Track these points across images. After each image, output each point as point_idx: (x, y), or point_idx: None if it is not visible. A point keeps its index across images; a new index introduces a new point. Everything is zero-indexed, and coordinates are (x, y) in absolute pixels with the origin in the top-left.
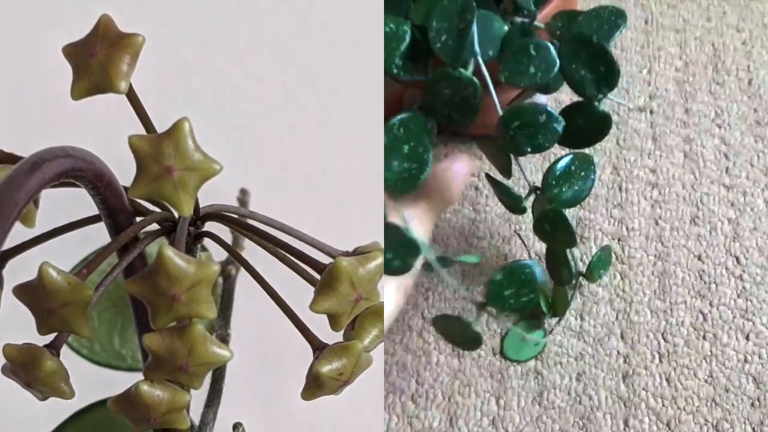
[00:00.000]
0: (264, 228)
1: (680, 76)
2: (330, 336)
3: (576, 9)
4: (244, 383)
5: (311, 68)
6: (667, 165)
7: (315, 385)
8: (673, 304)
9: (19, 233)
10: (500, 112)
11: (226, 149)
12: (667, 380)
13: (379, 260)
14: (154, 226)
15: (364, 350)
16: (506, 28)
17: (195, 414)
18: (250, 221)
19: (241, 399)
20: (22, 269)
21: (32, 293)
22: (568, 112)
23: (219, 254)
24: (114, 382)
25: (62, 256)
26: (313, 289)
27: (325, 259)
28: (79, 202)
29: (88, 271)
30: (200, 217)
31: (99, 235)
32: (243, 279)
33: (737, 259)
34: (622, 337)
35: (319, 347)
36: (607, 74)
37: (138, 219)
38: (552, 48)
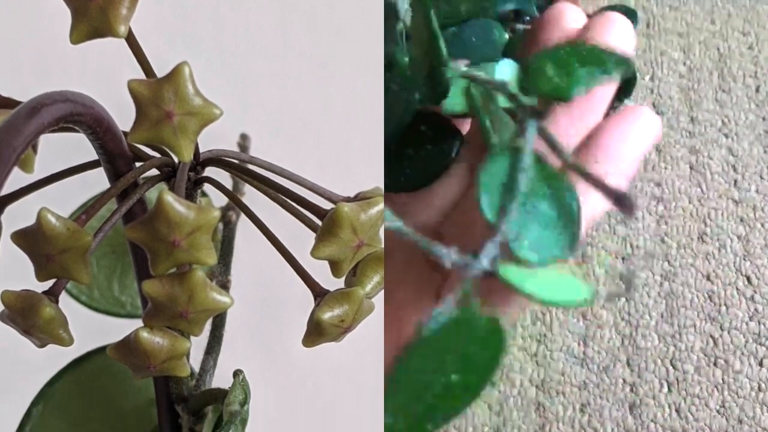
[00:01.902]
0: (265, 173)
1: (685, 83)
2: (331, 283)
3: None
4: (244, 330)
5: (311, 12)
6: (672, 177)
7: (316, 332)
8: (682, 327)
9: (17, 179)
10: None
11: (227, 94)
12: (677, 411)
13: (381, 206)
14: (154, 172)
15: (365, 297)
16: (507, 36)
17: (195, 361)
18: (251, 166)
19: (241, 346)
20: (20, 215)
21: (31, 239)
22: None
23: (219, 200)
24: (113, 329)
25: (61, 202)
26: (314, 235)
27: (326, 205)
28: (78, 147)
29: (87, 217)
30: (200, 162)
31: (98, 181)
32: (243, 225)
33: (748, 278)
34: (628, 364)
35: (320, 294)
36: (623, 81)
37: (137, 164)
38: None
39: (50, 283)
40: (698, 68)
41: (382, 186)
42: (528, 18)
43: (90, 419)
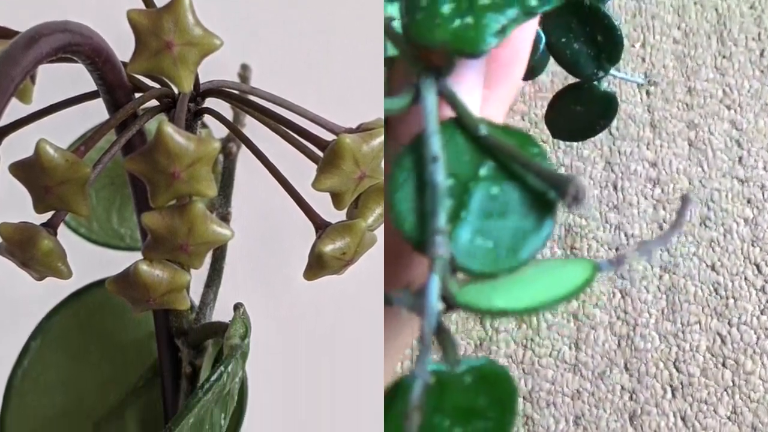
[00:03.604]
0: (265, 104)
1: (680, 50)
2: (333, 215)
3: None
4: (245, 263)
5: None
6: (669, 157)
7: (317, 265)
8: (685, 325)
9: (15, 109)
10: None
11: (227, 24)
12: (682, 419)
13: (383, 137)
14: (154, 103)
15: (367, 229)
16: None
17: (195, 294)
18: (251, 97)
19: (242, 279)
20: (18, 146)
21: (29, 171)
22: (561, 98)
23: (219, 131)
24: (112, 262)
25: (60, 133)
26: (315, 167)
27: (327, 136)
28: (76, 78)
29: (86, 149)
30: (200, 93)
31: (97, 112)
32: (244, 157)
33: (758, 267)
34: (626, 368)
35: (321, 226)
36: (607, 45)
37: (137, 95)
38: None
39: (49, 215)
40: (695, 32)
41: (383, 117)
42: None
43: (89, 353)
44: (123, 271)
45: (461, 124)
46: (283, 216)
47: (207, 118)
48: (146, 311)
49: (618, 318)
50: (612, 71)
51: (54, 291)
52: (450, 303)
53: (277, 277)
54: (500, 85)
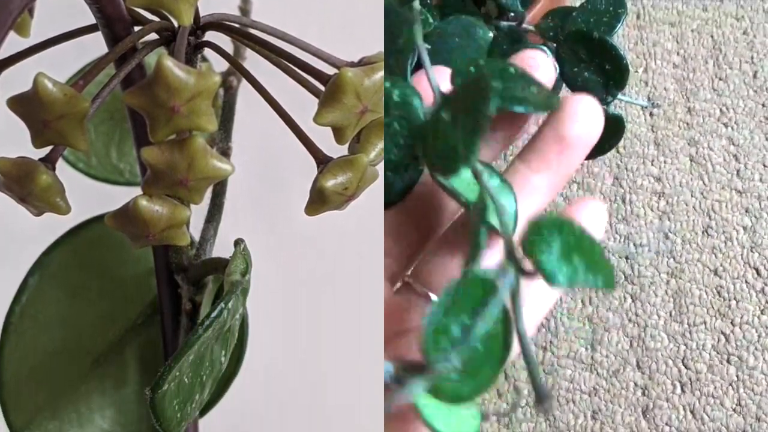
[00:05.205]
0: (266, 38)
1: (679, 73)
2: (334, 150)
3: (566, 5)
4: (245, 198)
5: None
6: (672, 171)
7: (319, 200)
8: (692, 325)
9: (13, 43)
10: None
11: None
12: (691, 412)
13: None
14: (153, 36)
15: (369, 164)
16: (491, 34)
17: (195, 230)
18: (252, 30)
19: (242, 214)
20: (17, 80)
21: (27, 105)
22: None
23: (220, 65)
24: (111, 197)
25: (58, 67)
26: (316, 101)
27: (329, 70)
28: (75, 11)
29: (85, 83)
30: (200, 26)
31: (96, 46)
32: (245, 91)
33: (757, 270)
34: (638, 366)
35: (323, 161)
36: (614, 73)
37: (136, 28)
38: (548, 52)
39: (47, 150)
40: (692, 57)
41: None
42: (513, 14)
43: (87, 289)
44: (122, 206)
45: None
46: (285, 151)
47: (207, 52)
48: (146, 247)
49: (630, 320)
50: (618, 95)
51: (52, 226)
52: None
53: (279, 213)
54: None
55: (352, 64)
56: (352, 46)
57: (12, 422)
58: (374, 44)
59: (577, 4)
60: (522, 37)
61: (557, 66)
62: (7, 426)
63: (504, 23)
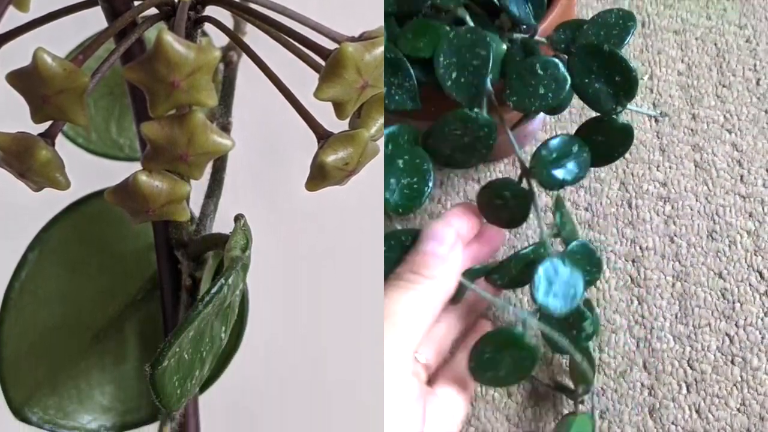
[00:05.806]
0: (267, 12)
1: (684, 81)
2: (335, 125)
3: (576, 18)
4: (246, 174)
5: None
6: (678, 177)
7: (320, 176)
8: (697, 327)
9: (13, 18)
10: (516, 148)
11: None
12: (697, 412)
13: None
14: (153, 11)
15: (370, 139)
16: (505, 46)
17: (195, 205)
18: (252, 5)
19: (242, 190)
20: (16, 55)
21: (26, 80)
22: (585, 129)
23: (220, 40)
24: (111, 173)
25: (58, 42)
26: (317, 76)
27: (330, 45)
28: None
29: (85, 57)
30: (200, 0)
31: (96, 21)
32: (245, 66)
33: (760, 273)
34: (645, 367)
35: (323, 136)
36: (624, 84)
37: (136, 3)
38: (560, 64)
39: (47, 125)
40: (697, 65)
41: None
42: (525, 27)
43: (87, 264)
44: (122, 181)
45: None
46: (285, 126)
47: (207, 26)
48: (145, 222)
49: (636, 322)
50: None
51: (52, 202)
52: None
53: (279, 188)
54: None
55: (352, 39)
56: (352, 20)
57: (11, 398)
58: (375, 19)
59: (588, 18)
60: (535, 49)
61: (569, 77)
62: (6, 402)
63: (517, 35)
